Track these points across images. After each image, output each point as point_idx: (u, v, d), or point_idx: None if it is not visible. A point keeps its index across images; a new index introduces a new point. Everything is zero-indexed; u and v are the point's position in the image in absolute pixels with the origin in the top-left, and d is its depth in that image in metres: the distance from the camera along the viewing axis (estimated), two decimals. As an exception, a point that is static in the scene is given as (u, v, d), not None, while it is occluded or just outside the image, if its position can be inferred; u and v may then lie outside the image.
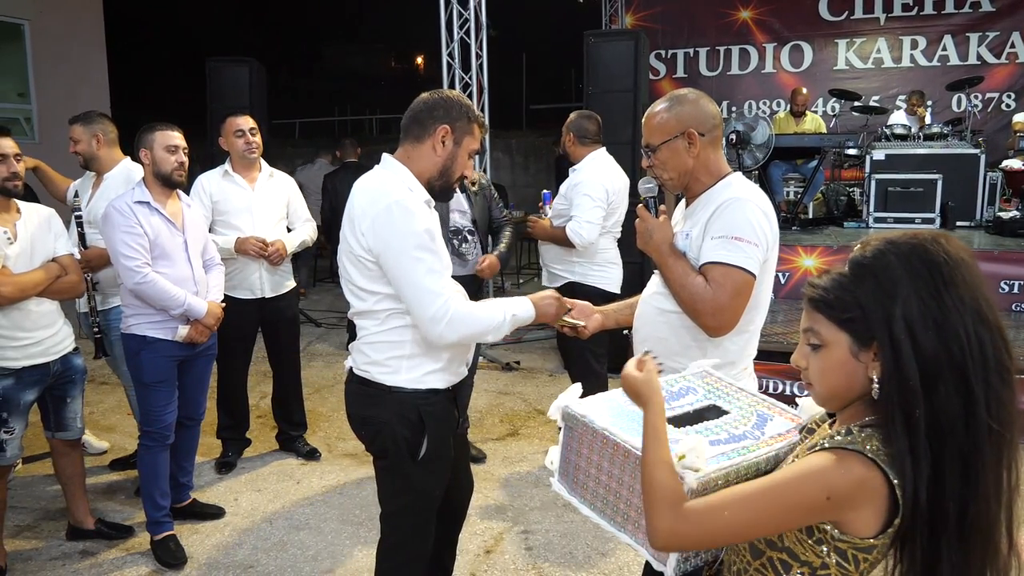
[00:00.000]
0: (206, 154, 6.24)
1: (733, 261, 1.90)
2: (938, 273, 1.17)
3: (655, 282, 2.13)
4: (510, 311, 2.12)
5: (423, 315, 2.01)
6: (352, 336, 2.30)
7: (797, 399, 1.54)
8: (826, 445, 1.19)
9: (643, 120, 2.10)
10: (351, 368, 2.25)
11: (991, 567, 1.17)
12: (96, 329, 3.62)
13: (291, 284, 4.23)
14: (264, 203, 4.04)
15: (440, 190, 2.19)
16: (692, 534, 1.22)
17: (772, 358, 4.44)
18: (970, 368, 1.13)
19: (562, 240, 3.83)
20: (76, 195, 3.68)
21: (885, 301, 1.17)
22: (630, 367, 1.44)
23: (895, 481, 1.14)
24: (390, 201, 2.01)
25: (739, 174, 2.08)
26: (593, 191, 3.77)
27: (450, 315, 2.00)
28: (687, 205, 2.12)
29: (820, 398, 1.29)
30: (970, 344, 1.14)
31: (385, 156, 2.20)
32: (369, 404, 2.18)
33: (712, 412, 1.57)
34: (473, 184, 4.04)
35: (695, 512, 1.21)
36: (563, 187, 3.99)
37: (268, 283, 4.06)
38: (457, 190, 3.90)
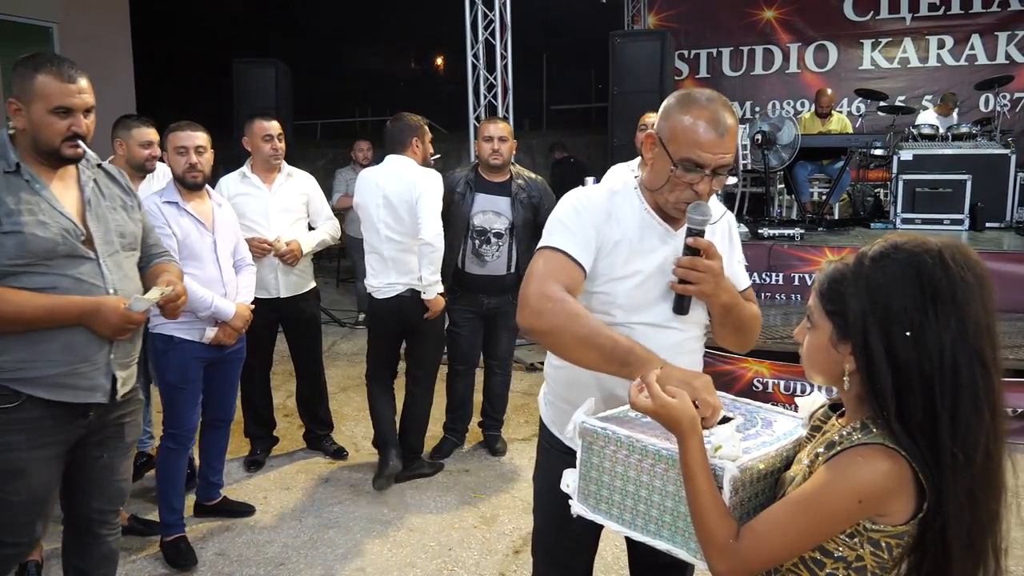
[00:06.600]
0: (232, 155, 6.28)
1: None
2: (929, 287, 1.15)
3: (686, 319, 1.86)
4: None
5: (431, 232, 3.67)
6: None
7: (796, 399, 1.54)
8: (845, 447, 1.20)
9: (720, 135, 1.66)
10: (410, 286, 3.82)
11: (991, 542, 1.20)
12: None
13: (311, 284, 4.23)
14: (280, 204, 4.03)
15: None
16: (747, 567, 1.27)
17: (793, 359, 4.42)
18: (936, 389, 1.13)
19: None
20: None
21: (867, 306, 1.18)
22: (635, 393, 1.40)
23: (916, 467, 1.16)
24: (428, 183, 3.77)
25: None
26: None
27: (439, 244, 3.71)
28: (675, 229, 1.82)
29: (807, 371, 1.33)
30: (943, 366, 1.13)
31: (393, 157, 3.82)
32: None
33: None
34: (521, 190, 4.10)
35: (746, 548, 1.25)
36: None
37: (284, 283, 4.04)
38: (501, 194, 4.20)
